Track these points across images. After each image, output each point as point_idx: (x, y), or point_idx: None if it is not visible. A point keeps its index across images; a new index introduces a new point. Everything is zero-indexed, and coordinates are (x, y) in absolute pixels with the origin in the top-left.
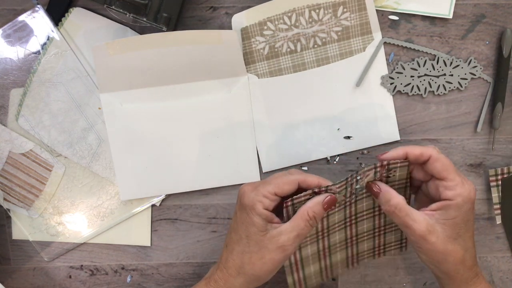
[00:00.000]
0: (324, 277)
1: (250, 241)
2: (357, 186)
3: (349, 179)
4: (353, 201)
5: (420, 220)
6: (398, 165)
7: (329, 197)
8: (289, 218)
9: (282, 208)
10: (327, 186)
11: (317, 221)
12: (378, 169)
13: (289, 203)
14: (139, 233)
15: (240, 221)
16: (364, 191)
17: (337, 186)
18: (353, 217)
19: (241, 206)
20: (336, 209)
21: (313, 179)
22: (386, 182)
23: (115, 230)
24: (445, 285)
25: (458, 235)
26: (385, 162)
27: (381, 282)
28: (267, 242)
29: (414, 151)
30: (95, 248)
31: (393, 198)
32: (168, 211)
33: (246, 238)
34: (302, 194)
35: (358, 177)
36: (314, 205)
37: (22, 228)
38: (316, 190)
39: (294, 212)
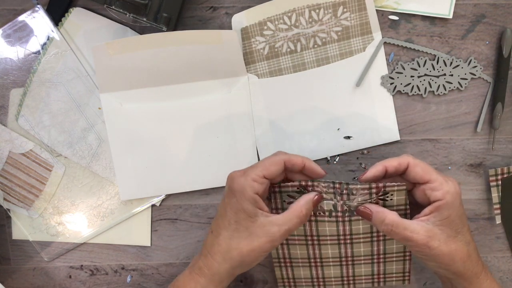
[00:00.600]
0: (316, 286)
1: (240, 226)
2: (350, 203)
3: (337, 185)
4: (346, 219)
5: (418, 229)
6: (395, 188)
7: (317, 196)
8: (276, 204)
9: (270, 196)
10: (313, 180)
11: (307, 218)
12: (374, 190)
13: (277, 189)
14: (139, 233)
15: (229, 206)
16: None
17: (322, 184)
18: (347, 236)
19: (230, 191)
20: (326, 219)
21: (297, 158)
22: (384, 206)
23: (115, 230)
24: (457, 285)
25: (457, 232)
26: (381, 185)
27: None
28: (257, 229)
29: (391, 163)
30: (95, 248)
31: (387, 217)
32: (168, 211)
33: (235, 223)
34: (289, 183)
35: (350, 187)
36: (306, 203)
37: (22, 228)
38: (303, 183)
39: (282, 199)
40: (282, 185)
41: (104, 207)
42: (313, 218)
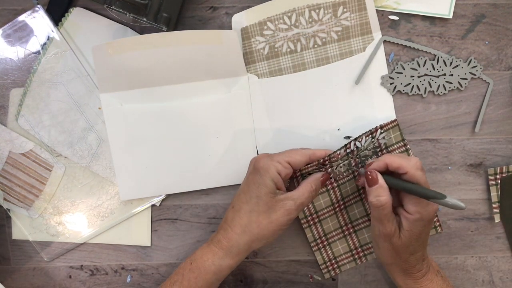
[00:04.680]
0: (357, 259)
1: (260, 201)
2: (361, 153)
3: (348, 145)
4: (362, 170)
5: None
6: (390, 126)
7: (324, 176)
8: (298, 184)
9: (292, 180)
10: (330, 155)
11: (316, 193)
12: (374, 133)
13: (298, 173)
14: (139, 233)
15: (252, 182)
16: (369, 159)
17: (337, 152)
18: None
19: (255, 169)
20: (346, 179)
21: (320, 152)
22: (386, 148)
23: (115, 230)
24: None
25: (410, 244)
26: (378, 126)
27: (381, 282)
28: (274, 204)
29: (393, 163)
30: (95, 248)
31: (384, 195)
32: (168, 211)
33: (256, 198)
34: (309, 165)
35: (357, 142)
36: (315, 179)
37: (22, 228)
38: (321, 161)
39: (302, 178)
40: (303, 168)
41: (104, 207)
42: (335, 184)
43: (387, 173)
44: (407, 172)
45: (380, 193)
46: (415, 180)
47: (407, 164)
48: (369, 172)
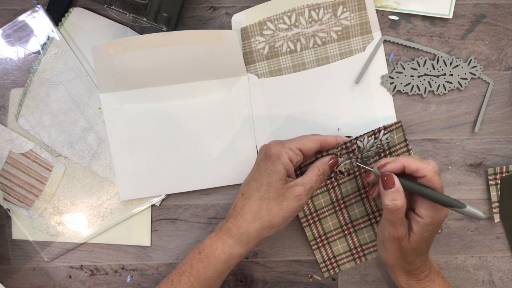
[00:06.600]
0: (357, 259)
1: (271, 187)
2: (363, 154)
3: (349, 144)
4: (362, 171)
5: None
6: (393, 127)
7: (333, 159)
8: None
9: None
10: (333, 149)
11: (325, 176)
12: (377, 134)
13: (298, 172)
14: (139, 233)
15: (263, 169)
16: (371, 160)
17: (336, 149)
18: (366, 189)
19: (267, 156)
20: (346, 179)
21: (331, 139)
22: (389, 149)
23: (115, 230)
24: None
25: (419, 246)
26: (381, 127)
27: (381, 282)
28: (285, 190)
29: (411, 166)
30: (95, 248)
31: (400, 199)
32: (168, 211)
33: (267, 185)
34: (307, 162)
35: (358, 142)
36: (322, 163)
37: (22, 228)
38: (325, 154)
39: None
40: (302, 165)
41: (104, 207)
42: (335, 184)
43: (400, 174)
44: (425, 176)
45: (396, 197)
46: (432, 185)
47: (425, 167)
48: (385, 174)
